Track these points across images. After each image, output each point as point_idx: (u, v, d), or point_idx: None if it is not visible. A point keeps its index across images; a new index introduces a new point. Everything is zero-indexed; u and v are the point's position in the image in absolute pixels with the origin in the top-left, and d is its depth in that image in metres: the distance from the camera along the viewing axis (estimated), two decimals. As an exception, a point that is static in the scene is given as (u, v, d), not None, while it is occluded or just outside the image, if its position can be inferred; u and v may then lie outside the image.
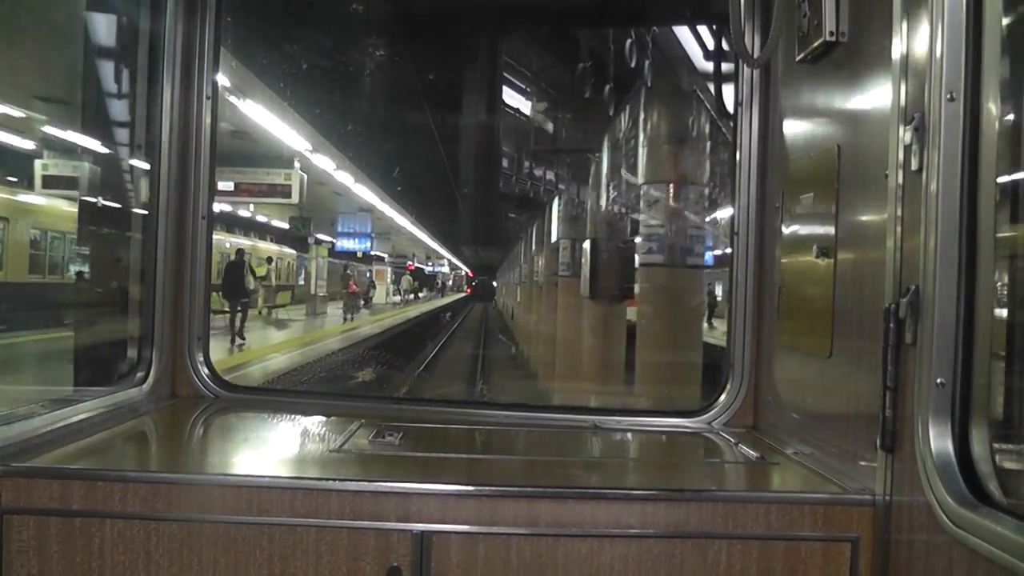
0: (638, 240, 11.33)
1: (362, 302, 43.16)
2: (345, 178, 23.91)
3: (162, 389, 3.52)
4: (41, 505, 2.38)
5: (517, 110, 20.21)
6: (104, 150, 4.03)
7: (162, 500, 2.40)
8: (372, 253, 49.91)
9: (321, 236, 44.18)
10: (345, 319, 32.31)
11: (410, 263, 68.40)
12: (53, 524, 2.38)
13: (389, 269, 55.86)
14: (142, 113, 3.63)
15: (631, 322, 13.66)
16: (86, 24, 3.79)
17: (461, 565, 2.39)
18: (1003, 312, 2.22)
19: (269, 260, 35.57)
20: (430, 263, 79.42)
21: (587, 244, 13.25)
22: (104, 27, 3.81)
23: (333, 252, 44.77)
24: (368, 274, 51.93)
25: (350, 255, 47.86)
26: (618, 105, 13.13)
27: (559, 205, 20.65)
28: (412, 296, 62.62)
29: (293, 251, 44.51)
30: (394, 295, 56.77)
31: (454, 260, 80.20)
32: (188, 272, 3.58)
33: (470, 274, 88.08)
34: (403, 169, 27.30)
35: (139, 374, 3.48)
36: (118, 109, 3.83)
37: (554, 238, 20.89)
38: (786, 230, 3.16)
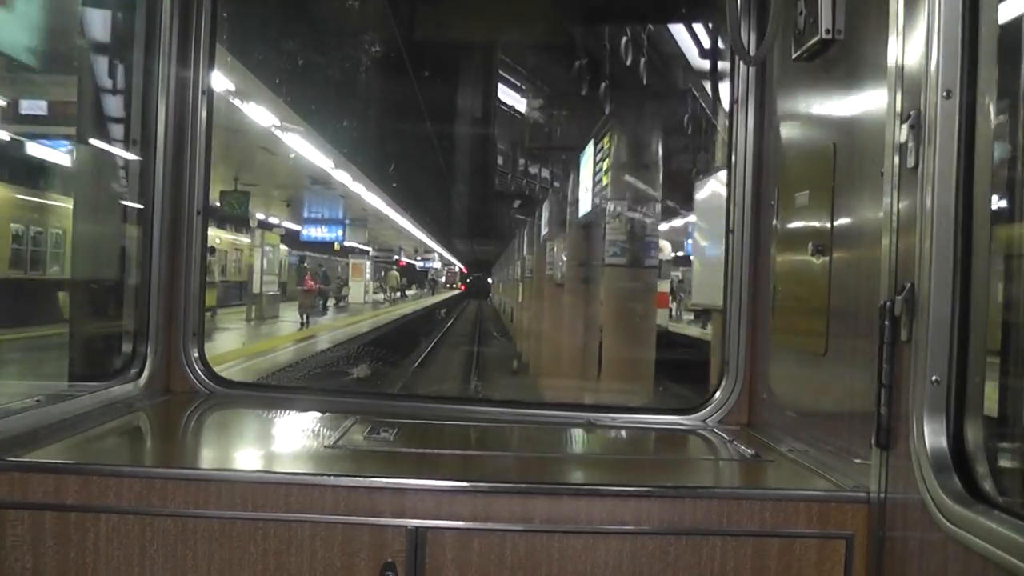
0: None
1: (332, 301, 38.17)
2: (261, 116, 16.31)
3: (157, 384, 3.52)
4: (36, 500, 2.38)
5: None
6: (100, 145, 4.02)
7: (157, 495, 2.40)
8: (352, 245, 44.66)
9: (289, 225, 38.65)
10: (302, 324, 26.40)
11: (400, 259, 64.42)
12: (48, 519, 2.38)
13: (368, 263, 46.57)
14: (138, 108, 3.63)
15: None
16: (82, 19, 3.78)
17: (456, 561, 2.39)
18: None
19: (212, 251, 27.24)
20: (419, 258, 74.17)
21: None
22: (100, 22, 3.80)
23: (299, 243, 39.90)
24: (343, 269, 45.56)
25: (325, 247, 42.11)
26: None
27: (606, 147, 12.22)
28: (399, 294, 57.22)
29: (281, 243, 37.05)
30: (377, 292, 49.97)
31: (447, 255, 77.21)
32: (183, 267, 3.58)
33: (464, 270, 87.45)
34: (382, 140, 22.07)
35: (134, 370, 3.47)
36: (113, 104, 3.82)
37: (584, 209, 14.13)
38: (781, 228, 3.17)
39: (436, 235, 54.80)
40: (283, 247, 38.89)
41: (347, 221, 38.82)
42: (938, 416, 2.10)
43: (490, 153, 21.69)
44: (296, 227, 39.84)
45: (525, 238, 29.69)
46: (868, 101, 2.53)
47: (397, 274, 59.39)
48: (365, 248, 49.05)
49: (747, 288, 3.44)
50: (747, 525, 2.42)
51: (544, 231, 21.94)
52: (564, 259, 17.31)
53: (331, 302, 38.66)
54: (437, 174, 26.22)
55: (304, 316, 27.45)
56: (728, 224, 3.50)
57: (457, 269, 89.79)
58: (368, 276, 45.27)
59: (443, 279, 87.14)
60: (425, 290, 73.72)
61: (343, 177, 24.64)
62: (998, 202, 2.14)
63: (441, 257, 77.86)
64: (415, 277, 74.61)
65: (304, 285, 29.78)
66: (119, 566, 2.38)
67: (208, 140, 3.61)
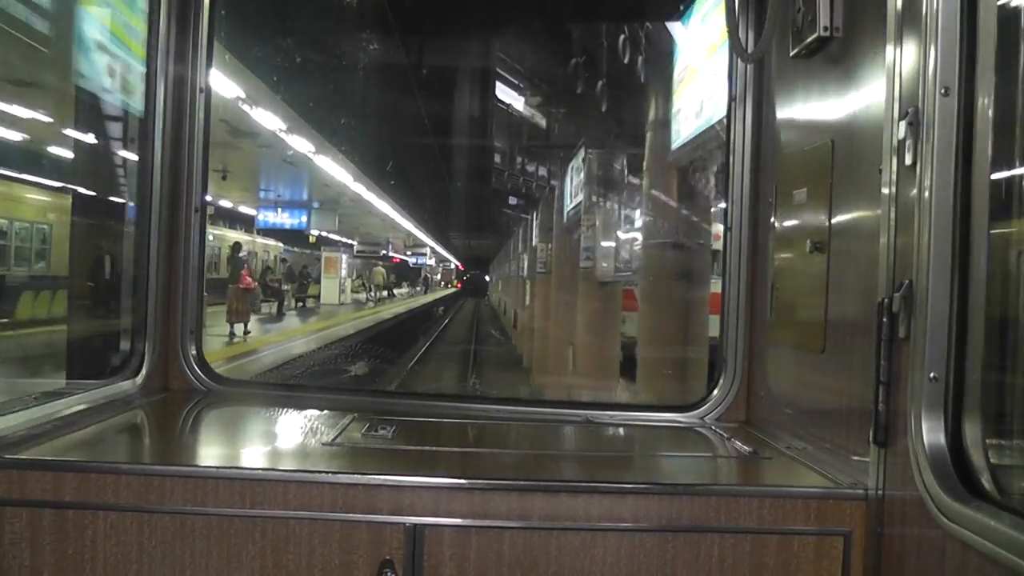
0: None
1: (294, 304, 31.84)
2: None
3: (155, 382, 3.52)
4: (34, 497, 2.38)
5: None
6: (97, 142, 4.01)
7: (155, 492, 2.40)
8: (336, 238, 39.40)
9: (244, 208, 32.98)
10: (231, 336, 19.43)
11: (395, 255, 61.66)
12: (46, 516, 2.38)
13: (345, 257, 38.73)
14: (135, 106, 3.62)
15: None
16: (79, 16, 3.78)
17: (454, 558, 2.40)
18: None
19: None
20: (410, 253, 67.61)
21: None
22: (97, 20, 3.79)
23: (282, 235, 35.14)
24: (317, 263, 38.58)
25: (299, 239, 36.73)
26: None
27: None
28: (386, 293, 50.39)
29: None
30: (358, 291, 43.90)
31: (442, 251, 71.20)
32: (181, 265, 3.58)
33: (460, 267, 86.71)
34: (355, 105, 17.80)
35: (132, 367, 3.47)
36: (111, 101, 3.81)
37: (689, 131, 6.38)
38: (779, 225, 3.17)
39: (430, 229, 49.81)
40: (234, 234, 33.42)
41: (314, 205, 30.54)
42: (936, 413, 2.10)
43: (488, 141, 19.94)
44: (256, 212, 32.74)
45: (536, 220, 22.13)
46: (866, 98, 2.53)
47: (383, 271, 54.01)
48: (349, 241, 43.71)
49: (745, 285, 3.45)
50: (745, 522, 2.43)
51: (571, 204, 14.25)
52: (620, 240, 11.60)
53: (293, 303, 32.53)
54: (430, 162, 24.01)
55: (234, 323, 20.20)
56: (726, 221, 3.50)
57: (453, 266, 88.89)
58: (344, 272, 38.02)
59: (438, 276, 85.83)
60: (418, 288, 69.19)
61: (273, 123, 15.56)
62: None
63: (436, 253, 75.30)
64: (407, 274, 72.54)
65: (240, 282, 21.54)
66: (117, 563, 2.38)
67: (206, 138, 3.61)
